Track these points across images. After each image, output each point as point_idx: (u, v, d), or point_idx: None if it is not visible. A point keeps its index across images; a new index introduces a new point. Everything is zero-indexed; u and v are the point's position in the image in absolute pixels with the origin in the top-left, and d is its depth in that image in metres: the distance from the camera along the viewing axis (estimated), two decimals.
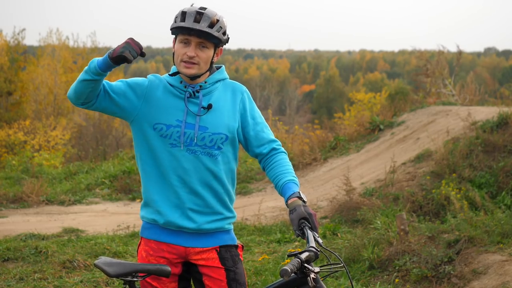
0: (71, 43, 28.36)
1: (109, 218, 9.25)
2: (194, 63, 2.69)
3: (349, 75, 65.96)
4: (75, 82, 2.64)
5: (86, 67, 2.60)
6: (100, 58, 2.59)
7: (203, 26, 2.64)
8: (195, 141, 2.72)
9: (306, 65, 72.55)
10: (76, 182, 12.20)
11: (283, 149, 2.90)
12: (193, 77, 2.73)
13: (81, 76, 2.60)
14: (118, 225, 8.30)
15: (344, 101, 39.23)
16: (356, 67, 72.12)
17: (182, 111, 2.73)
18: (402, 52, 76.34)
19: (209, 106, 2.74)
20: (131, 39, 2.55)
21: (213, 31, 2.65)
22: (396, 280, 5.76)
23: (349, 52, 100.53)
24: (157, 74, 2.83)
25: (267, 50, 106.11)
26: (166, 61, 77.42)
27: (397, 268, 5.91)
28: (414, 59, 34.21)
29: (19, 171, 13.27)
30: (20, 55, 26.06)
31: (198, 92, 2.75)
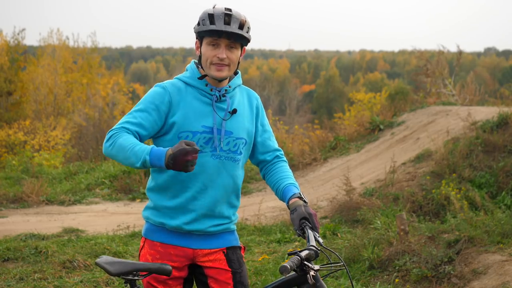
0: (71, 43, 28.38)
1: (109, 218, 9.24)
2: (225, 65, 2.66)
3: (349, 75, 65.95)
4: (122, 159, 2.51)
5: (139, 159, 2.45)
6: (154, 159, 2.43)
7: (234, 28, 2.61)
8: (221, 145, 2.69)
9: (306, 65, 72.55)
10: (76, 182, 12.20)
11: (285, 158, 2.92)
12: (221, 80, 2.70)
13: (133, 162, 2.47)
14: (118, 225, 8.29)
15: (344, 101, 39.23)
16: (356, 67, 72.09)
17: (208, 116, 2.68)
18: (402, 52, 76.33)
19: (234, 111, 2.71)
20: (187, 152, 2.38)
21: (243, 32, 2.64)
22: (396, 280, 5.76)
23: (349, 52, 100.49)
24: (171, 81, 2.74)
25: (267, 50, 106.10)
26: (166, 61, 77.40)
27: (397, 268, 5.91)
28: (414, 59, 34.18)
29: (19, 171, 13.27)
30: (20, 55, 26.03)
31: (224, 96, 2.72)
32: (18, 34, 26.14)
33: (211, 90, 2.70)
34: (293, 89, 51.43)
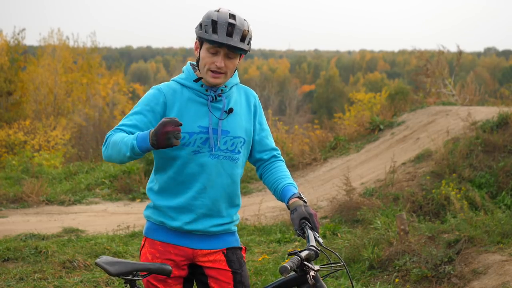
0: (71, 43, 28.39)
1: (109, 218, 9.25)
2: (221, 73, 2.66)
3: (349, 75, 65.98)
4: (116, 155, 2.53)
5: (128, 147, 2.47)
6: (141, 142, 2.45)
7: (236, 41, 2.59)
8: (218, 145, 2.70)
9: (306, 65, 72.57)
10: (76, 182, 12.20)
11: (282, 157, 2.93)
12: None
13: (124, 152, 2.50)
14: (118, 225, 8.29)
15: (344, 101, 39.25)
16: (356, 67, 72.13)
17: (204, 117, 2.69)
18: (402, 52, 76.34)
19: (230, 110, 2.72)
20: (166, 123, 2.38)
21: (244, 45, 2.63)
22: (396, 280, 5.76)
23: (349, 52, 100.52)
24: (167, 83, 2.76)
25: (267, 50, 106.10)
26: (166, 61, 77.38)
27: (397, 268, 5.91)
28: (414, 59, 34.19)
29: (19, 171, 13.27)
30: (20, 55, 26.04)
31: (220, 96, 2.72)
32: (18, 34, 26.17)
33: (207, 90, 2.71)
34: (293, 89, 51.45)
